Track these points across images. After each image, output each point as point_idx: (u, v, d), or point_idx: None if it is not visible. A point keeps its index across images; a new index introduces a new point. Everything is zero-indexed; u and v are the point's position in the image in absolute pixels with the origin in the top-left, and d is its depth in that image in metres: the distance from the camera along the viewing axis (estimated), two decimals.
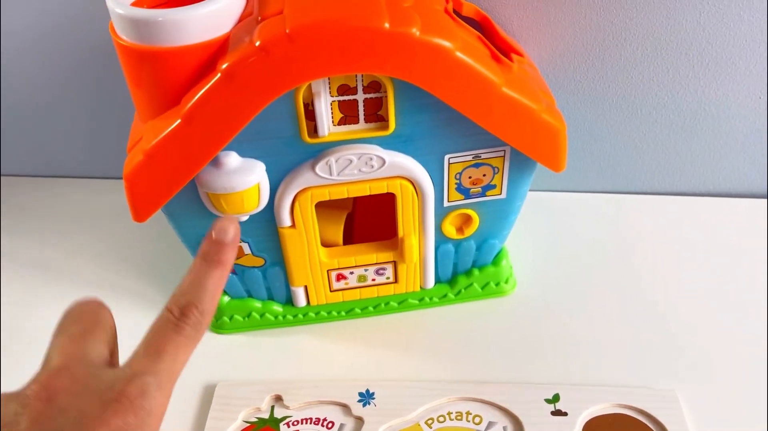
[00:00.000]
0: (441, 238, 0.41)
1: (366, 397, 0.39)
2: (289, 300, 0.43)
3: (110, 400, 0.23)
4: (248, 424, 0.38)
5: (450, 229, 0.41)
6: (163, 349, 0.25)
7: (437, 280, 0.44)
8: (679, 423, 0.37)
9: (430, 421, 0.38)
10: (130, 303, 0.46)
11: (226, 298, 0.43)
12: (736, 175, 0.53)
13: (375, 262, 0.42)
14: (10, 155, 0.59)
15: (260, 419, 0.39)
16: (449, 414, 0.38)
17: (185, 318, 0.26)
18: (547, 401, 0.38)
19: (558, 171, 0.38)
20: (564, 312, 0.45)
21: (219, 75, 0.31)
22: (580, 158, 0.52)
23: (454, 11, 0.38)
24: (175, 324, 0.26)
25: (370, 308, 0.44)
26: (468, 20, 0.40)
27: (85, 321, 0.27)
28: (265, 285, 0.42)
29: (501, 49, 0.39)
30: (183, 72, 0.32)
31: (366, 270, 0.42)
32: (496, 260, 0.44)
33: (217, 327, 0.44)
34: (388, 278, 0.43)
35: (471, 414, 0.38)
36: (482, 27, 0.40)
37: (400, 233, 0.40)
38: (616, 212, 0.53)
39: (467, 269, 0.44)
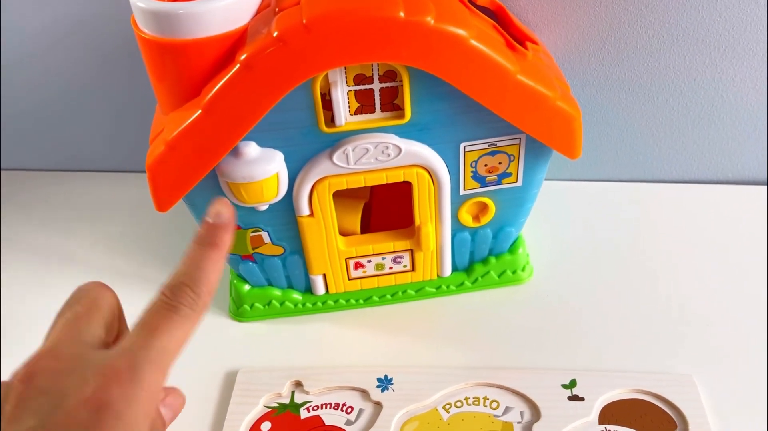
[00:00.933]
0: (457, 226, 0.42)
1: (384, 383, 0.40)
2: (308, 289, 0.44)
3: (96, 375, 0.23)
4: (269, 409, 0.39)
5: (466, 217, 0.41)
6: (156, 327, 0.25)
7: (454, 268, 0.45)
8: (696, 408, 0.37)
9: (447, 406, 0.38)
10: (150, 293, 0.46)
11: (247, 287, 0.44)
12: (755, 163, 0.53)
13: (392, 251, 0.42)
14: (35, 150, 0.60)
15: (281, 404, 0.39)
16: (466, 399, 0.39)
17: (178, 298, 0.26)
18: (564, 386, 0.39)
19: (573, 158, 0.38)
20: (580, 299, 0.45)
21: (238, 66, 0.31)
22: (596, 146, 0.52)
23: (469, 1, 0.39)
24: (167, 303, 0.26)
25: (388, 296, 0.45)
26: (483, 9, 0.40)
27: (83, 304, 0.27)
28: (284, 273, 0.43)
29: (515, 37, 0.39)
30: (203, 63, 0.33)
31: (383, 258, 0.43)
32: (512, 248, 0.45)
33: (238, 315, 0.44)
34: (405, 266, 0.43)
35: (488, 399, 0.39)
36: (497, 16, 0.40)
37: (417, 221, 0.40)
38: (633, 200, 0.53)
39: (484, 257, 0.45)
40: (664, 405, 0.38)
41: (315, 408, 0.39)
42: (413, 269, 0.44)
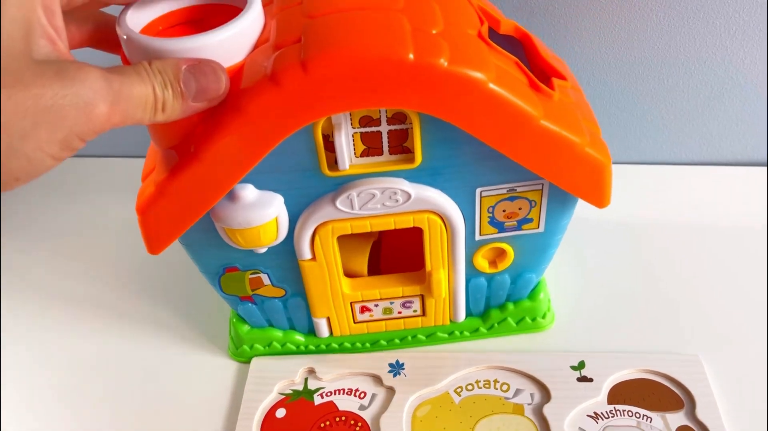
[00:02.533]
0: (472, 272, 0.39)
1: (396, 368, 0.40)
2: (311, 330, 0.42)
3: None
4: (284, 396, 0.40)
5: (482, 263, 0.38)
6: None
7: (468, 313, 0.42)
8: (703, 387, 0.38)
9: (458, 389, 0.39)
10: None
11: (246, 327, 0.41)
12: (764, 144, 0.52)
13: (401, 296, 0.39)
14: None
15: (295, 391, 0.40)
16: (477, 382, 0.39)
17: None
18: (573, 368, 0.39)
19: (602, 207, 0.34)
20: (589, 279, 0.45)
21: (230, 109, 0.29)
22: (605, 129, 0.50)
23: (491, 30, 0.35)
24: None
25: (396, 340, 0.42)
26: (507, 38, 0.37)
27: None
28: (286, 315, 0.40)
29: (542, 71, 0.36)
30: None
31: (392, 303, 0.40)
32: (532, 294, 0.41)
33: (238, 355, 0.42)
34: (415, 311, 0.40)
35: (498, 382, 0.39)
36: (523, 45, 0.37)
37: (428, 267, 0.37)
38: (642, 182, 0.53)
39: (501, 303, 0.41)
40: (672, 384, 0.38)
41: (328, 394, 0.40)
42: (424, 314, 0.41)
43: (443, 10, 0.31)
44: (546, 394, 0.38)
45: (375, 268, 0.42)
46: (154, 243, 0.34)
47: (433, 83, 0.28)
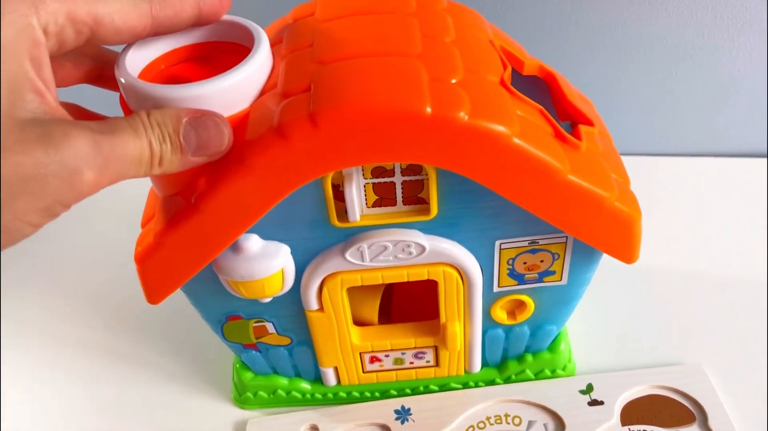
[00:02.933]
0: (489, 323, 0.36)
1: (403, 414, 0.39)
2: (318, 378, 0.40)
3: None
4: None
5: (500, 314, 0.36)
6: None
7: (484, 364, 0.39)
8: (710, 397, 0.38)
9: (470, 429, 0.38)
10: None
11: (250, 374, 0.39)
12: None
13: (413, 347, 0.37)
14: None
15: None
16: (488, 419, 0.38)
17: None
18: (582, 392, 0.38)
19: (630, 263, 0.32)
20: (588, 293, 0.41)
21: (234, 160, 0.27)
22: (615, 121, 0.51)
23: (515, 71, 0.33)
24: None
25: (408, 390, 0.40)
26: (531, 78, 0.34)
27: None
28: (291, 363, 0.38)
29: (568, 114, 0.33)
30: None
31: (403, 353, 0.38)
32: (552, 346, 0.39)
33: (241, 402, 0.40)
34: (428, 362, 0.38)
35: (509, 415, 0.38)
36: (548, 85, 0.35)
37: (443, 319, 0.35)
38: (649, 174, 0.52)
39: (519, 354, 0.39)
40: (680, 397, 0.38)
41: None
42: (437, 365, 0.38)
43: (464, 55, 0.28)
44: (560, 423, 0.37)
45: (386, 313, 0.40)
46: (154, 293, 0.32)
47: (452, 138, 0.26)
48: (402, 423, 0.38)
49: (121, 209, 0.56)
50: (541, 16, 0.49)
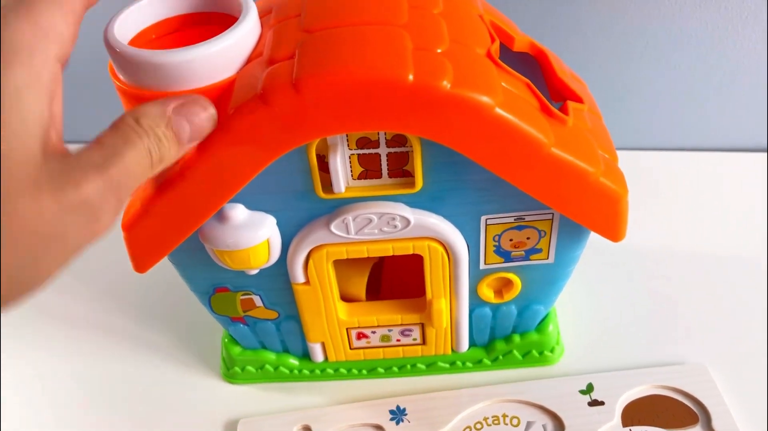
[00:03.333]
0: (476, 301, 0.36)
1: (398, 414, 0.38)
2: (305, 354, 0.40)
3: None
4: None
5: (487, 293, 0.36)
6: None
7: (472, 343, 0.39)
8: (714, 397, 0.37)
9: (467, 430, 0.37)
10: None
11: (238, 348, 0.39)
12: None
13: (399, 323, 0.37)
14: None
15: None
16: (485, 419, 0.37)
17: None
18: (582, 392, 0.38)
19: (616, 241, 0.32)
20: (588, 289, 0.43)
21: (218, 127, 0.27)
22: (615, 115, 0.50)
23: (505, 47, 0.33)
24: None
25: (395, 368, 0.40)
26: (522, 56, 0.34)
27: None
28: (279, 338, 0.39)
29: (558, 92, 0.33)
30: None
31: (390, 330, 0.38)
32: (540, 326, 0.39)
33: (229, 376, 0.40)
34: (414, 339, 0.38)
35: (507, 416, 0.37)
36: (539, 63, 0.35)
37: (429, 295, 0.35)
38: (650, 169, 0.52)
39: (507, 334, 0.39)
40: (683, 397, 0.37)
41: None
42: (424, 343, 0.39)
43: (451, 27, 0.28)
44: (559, 424, 0.37)
45: (376, 290, 0.40)
46: (140, 261, 0.32)
47: (435, 107, 0.26)
48: (397, 423, 0.37)
49: None
50: (541, 9, 0.48)
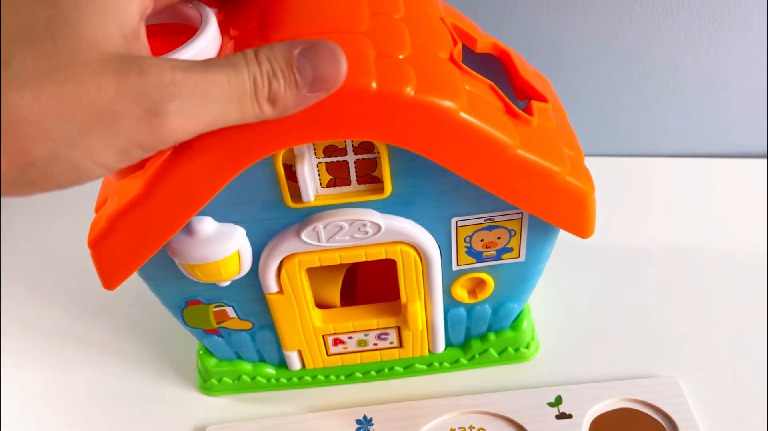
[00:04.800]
0: (451, 302, 0.37)
1: (365, 424, 0.37)
2: (282, 363, 0.39)
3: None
4: None
5: (461, 293, 0.36)
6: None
7: (448, 344, 0.40)
8: (684, 412, 0.37)
9: None
10: None
11: (214, 360, 0.39)
12: (753, 136, 0.52)
13: (375, 328, 0.37)
14: None
15: None
16: (452, 430, 0.37)
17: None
18: (550, 404, 0.38)
19: (585, 237, 0.32)
20: (564, 295, 0.43)
21: (180, 144, 0.26)
22: (592, 122, 0.52)
23: (468, 49, 0.33)
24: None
25: (373, 372, 0.40)
26: (486, 57, 0.34)
27: None
28: (255, 347, 0.38)
29: (522, 92, 0.34)
30: None
31: (366, 335, 0.38)
32: (515, 324, 0.39)
33: (206, 389, 0.40)
34: (391, 343, 0.38)
35: (474, 427, 0.37)
36: (503, 63, 0.35)
37: (403, 299, 0.35)
38: (625, 175, 0.52)
39: (482, 333, 0.39)
40: (652, 411, 0.37)
41: None
42: (401, 346, 0.39)
43: (412, 32, 0.28)
44: None
45: (351, 295, 0.40)
46: (108, 278, 0.31)
47: (399, 114, 0.26)
48: None
49: (81, 194, 0.55)
50: (535, 17, 0.47)
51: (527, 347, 0.40)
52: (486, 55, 0.34)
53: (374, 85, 0.25)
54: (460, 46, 0.30)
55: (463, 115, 0.26)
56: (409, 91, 0.25)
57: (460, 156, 0.28)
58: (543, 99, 0.33)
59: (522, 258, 0.34)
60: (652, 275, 0.45)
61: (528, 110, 0.31)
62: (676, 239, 0.47)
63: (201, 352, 0.39)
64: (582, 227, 0.32)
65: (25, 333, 0.45)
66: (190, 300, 0.35)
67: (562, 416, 0.37)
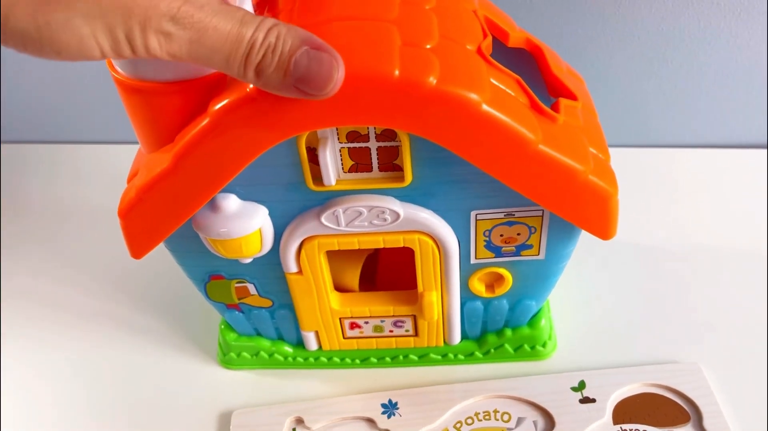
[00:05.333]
0: (468, 295, 0.37)
1: (390, 408, 0.38)
2: (300, 342, 0.40)
3: None
4: None
5: (479, 287, 0.36)
6: None
7: (464, 336, 0.40)
8: (707, 396, 0.37)
9: (458, 425, 0.37)
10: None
11: (234, 335, 0.40)
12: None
13: (392, 315, 0.38)
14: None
15: None
16: (476, 415, 0.37)
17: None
18: (574, 389, 0.38)
19: (606, 239, 0.32)
20: (582, 285, 0.43)
21: (207, 120, 0.27)
22: (610, 112, 0.51)
23: (500, 43, 0.33)
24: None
25: (388, 359, 0.40)
26: (519, 51, 0.34)
27: None
28: (273, 325, 0.39)
29: (554, 89, 0.33)
30: (179, 109, 0.29)
31: (382, 321, 0.38)
32: (533, 321, 0.39)
33: (225, 362, 0.41)
34: (407, 331, 0.39)
35: (499, 412, 0.38)
36: (535, 58, 0.34)
37: (420, 288, 0.36)
38: (641, 165, 0.52)
39: (498, 329, 0.39)
40: (675, 396, 0.38)
41: None
42: (416, 335, 0.39)
43: (441, 22, 0.28)
44: (550, 420, 0.37)
45: (371, 281, 0.41)
46: (136, 248, 0.33)
47: (421, 103, 0.26)
48: (388, 417, 0.37)
49: (105, 168, 0.57)
50: (534, 4, 0.48)
51: (543, 345, 0.40)
52: (519, 49, 0.34)
53: (397, 72, 0.25)
54: (489, 39, 0.30)
55: (485, 107, 0.26)
56: (432, 80, 0.26)
57: (481, 149, 0.28)
58: (573, 97, 0.32)
59: (541, 256, 0.34)
60: (671, 267, 0.45)
61: (555, 107, 0.31)
62: (696, 231, 0.47)
63: (222, 326, 0.41)
64: (603, 228, 0.31)
65: (45, 310, 0.46)
66: (213, 274, 0.36)
67: (585, 400, 0.37)
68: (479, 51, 0.29)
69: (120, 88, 0.30)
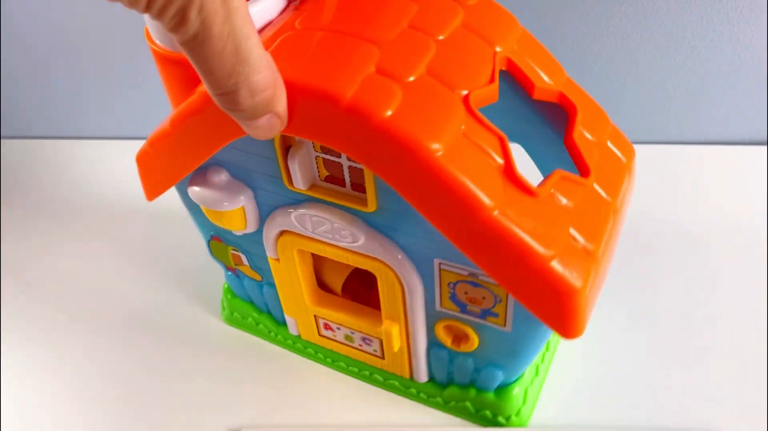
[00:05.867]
0: (434, 339, 0.35)
1: None
2: (284, 322, 0.42)
3: None
4: None
5: (444, 337, 0.34)
6: None
7: (431, 377, 0.38)
8: None
9: None
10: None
11: (232, 294, 0.43)
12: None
13: (358, 329, 0.37)
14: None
15: None
16: None
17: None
18: None
19: (568, 338, 0.28)
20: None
21: (193, 97, 0.29)
22: (610, 109, 0.43)
23: (525, 92, 0.30)
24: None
25: (355, 369, 0.40)
26: (547, 105, 0.31)
27: None
28: (262, 299, 0.41)
29: (571, 154, 0.30)
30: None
31: (353, 332, 0.38)
32: (502, 390, 0.36)
33: (224, 317, 0.44)
34: (374, 351, 0.38)
35: None
36: (567, 114, 0.31)
37: (383, 316, 0.34)
38: (646, 163, 0.46)
39: (464, 384, 0.37)
40: None
41: None
42: (383, 358, 0.38)
43: (439, 57, 0.27)
44: None
45: (356, 290, 0.40)
46: (148, 190, 0.36)
47: (368, 134, 0.25)
48: None
49: (106, 164, 0.57)
50: (536, 3, 0.46)
51: (507, 419, 0.36)
52: (551, 104, 0.31)
53: (348, 96, 0.24)
54: (495, 86, 0.27)
55: (436, 155, 0.25)
56: (385, 113, 0.24)
57: (429, 200, 0.26)
58: (585, 171, 0.28)
59: (508, 328, 0.31)
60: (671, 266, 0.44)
61: (546, 179, 0.27)
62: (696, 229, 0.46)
63: (226, 285, 0.43)
64: (564, 326, 0.27)
65: (51, 307, 0.46)
66: (213, 235, 0.38)
67: None
68: (465, 98, 0.26)
69: (158, 61, 0.32)
